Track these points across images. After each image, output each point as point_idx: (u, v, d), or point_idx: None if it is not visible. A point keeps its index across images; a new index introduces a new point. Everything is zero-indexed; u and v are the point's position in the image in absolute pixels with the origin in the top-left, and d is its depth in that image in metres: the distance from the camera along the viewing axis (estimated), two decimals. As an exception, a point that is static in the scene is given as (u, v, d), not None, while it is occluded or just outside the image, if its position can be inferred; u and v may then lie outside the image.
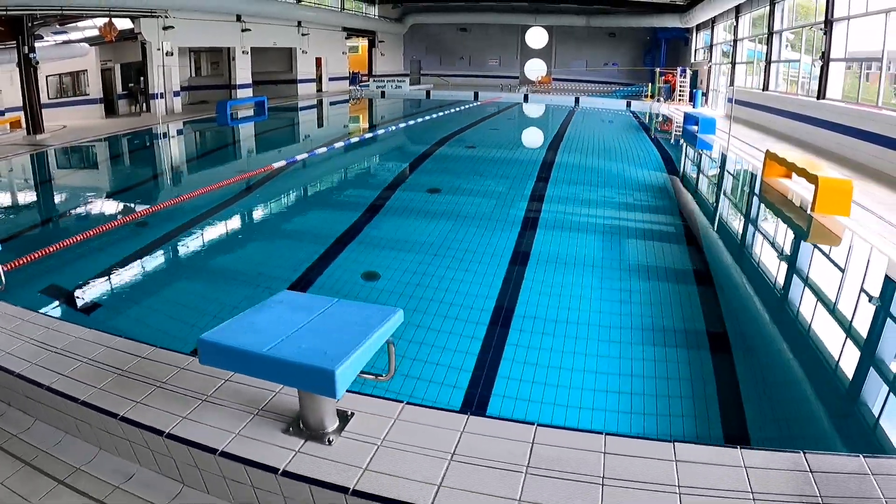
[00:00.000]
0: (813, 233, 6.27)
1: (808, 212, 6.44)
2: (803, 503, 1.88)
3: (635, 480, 2.00)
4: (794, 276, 5.68)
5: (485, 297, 5.01)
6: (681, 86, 22.22)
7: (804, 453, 2.11)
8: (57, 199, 9.13)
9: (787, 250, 6.46)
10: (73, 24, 16.95)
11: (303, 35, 24.42)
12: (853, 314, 4.60)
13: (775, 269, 5.87)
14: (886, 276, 5.18)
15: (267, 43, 22.56)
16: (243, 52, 21.30)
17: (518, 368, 4.08)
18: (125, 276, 5.56)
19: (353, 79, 29.70)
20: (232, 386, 2.55)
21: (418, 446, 2.15)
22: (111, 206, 8.37)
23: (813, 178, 6.22)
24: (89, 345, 2.98)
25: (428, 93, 26.64)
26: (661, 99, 22.61)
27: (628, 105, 22.24)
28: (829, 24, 12.04)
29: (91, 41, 17.58)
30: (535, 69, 33.25)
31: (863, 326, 4.44)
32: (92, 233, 6.41)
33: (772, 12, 15.88)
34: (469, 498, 1.91)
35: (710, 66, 22.58)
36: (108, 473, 2.36)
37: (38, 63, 14.21)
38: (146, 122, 16.05)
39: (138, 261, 5.93)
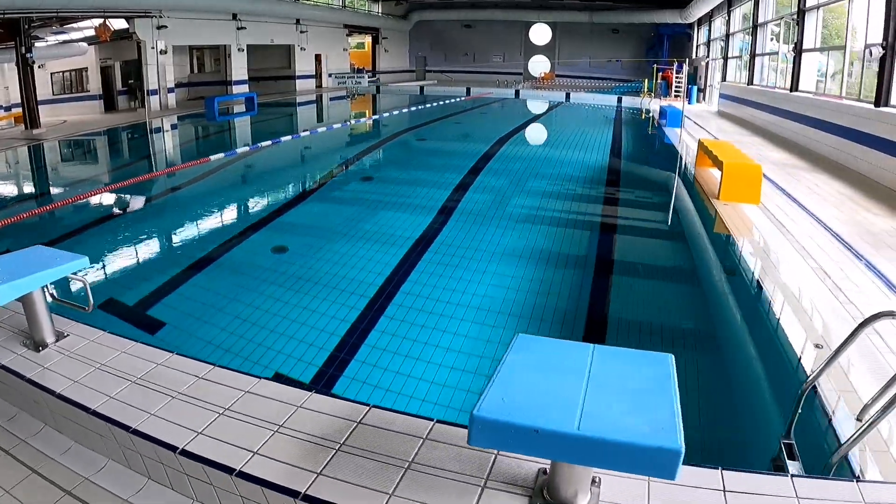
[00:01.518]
0: (714, 223, 6.14)
1: (714, 200, 6.29)
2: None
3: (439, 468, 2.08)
4: (684, 270, 5.69)
5: (377, 274, 5.22)
6: (677, 82, 21.98)
7: (435, 421, 2.32)
8: (35, 186, 9.65)
9: (681, 242, 6.41)
10: (72, 25, 17.58)
11: (301, 32, 24.75)
12: (735, 311, 4.64)
13: (665, 262, 5.89)
14: (764, 271, 5.13)
15: (264, 40, 22.92)
16: (239, 49, 21.73)
17: (385, 339, 4.28)
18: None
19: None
20: (15, 317, 3.27)
21: (89, 359, 2.83)
22: (72, 191, 8.78)
23: (720, 164, 6.16)
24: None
25: (421, 89, 26.88)
26: (654, 95, 22.41)
27: (619, 101, 22.08)
28: (801, 13, 11.89)
29: (89, 40, 18.22)
30: (539, 65, 33.18)
31: (734, 323, 4.49)
32: (48, 208, 6.99)
33: (756, 4, 15.69)
34: (97, 396, 2.53)
35: (707, 62, 22.31)
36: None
37: (34, 62, 14.81)
38: (139, 118, 16.59)
39: (82, 235, 6.35)
